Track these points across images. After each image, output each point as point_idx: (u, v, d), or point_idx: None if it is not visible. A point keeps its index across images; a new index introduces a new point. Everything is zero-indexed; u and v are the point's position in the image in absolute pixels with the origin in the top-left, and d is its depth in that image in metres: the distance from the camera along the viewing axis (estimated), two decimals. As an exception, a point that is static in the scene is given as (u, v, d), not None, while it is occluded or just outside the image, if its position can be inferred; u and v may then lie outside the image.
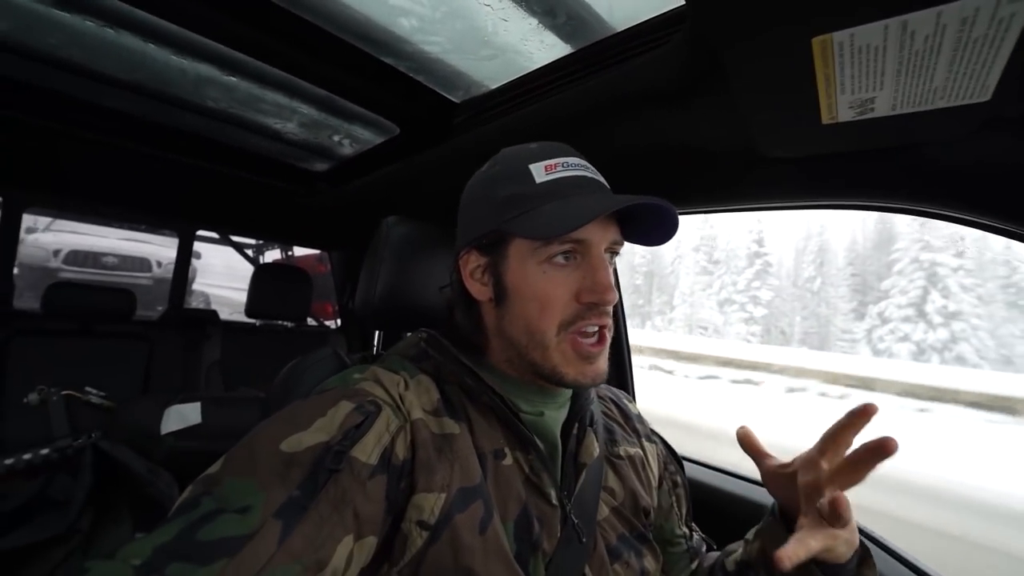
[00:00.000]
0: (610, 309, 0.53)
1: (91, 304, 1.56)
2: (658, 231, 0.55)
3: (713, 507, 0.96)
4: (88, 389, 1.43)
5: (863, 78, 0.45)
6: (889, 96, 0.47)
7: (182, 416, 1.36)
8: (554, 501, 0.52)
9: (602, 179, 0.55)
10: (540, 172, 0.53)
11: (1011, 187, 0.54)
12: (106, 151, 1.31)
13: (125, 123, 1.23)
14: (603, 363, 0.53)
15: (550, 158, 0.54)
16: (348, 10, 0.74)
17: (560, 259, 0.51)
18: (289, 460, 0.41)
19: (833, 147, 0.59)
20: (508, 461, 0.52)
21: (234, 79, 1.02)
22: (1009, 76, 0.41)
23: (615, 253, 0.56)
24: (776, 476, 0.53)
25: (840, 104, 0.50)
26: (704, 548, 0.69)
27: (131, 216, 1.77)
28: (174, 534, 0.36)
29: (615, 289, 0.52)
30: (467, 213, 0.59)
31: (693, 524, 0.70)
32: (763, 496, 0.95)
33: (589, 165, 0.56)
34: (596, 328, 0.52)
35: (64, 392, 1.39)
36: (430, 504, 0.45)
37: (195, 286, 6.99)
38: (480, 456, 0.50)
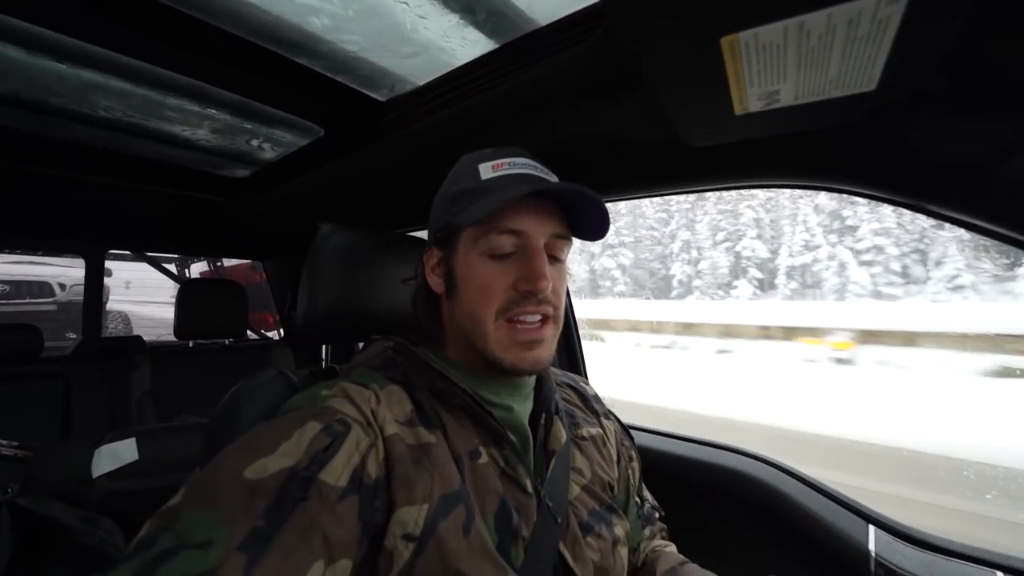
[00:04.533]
0: (548, 298, 0.54)
1: None
2: (593, 223, 0.57)
3: (660, 469, 1.03)
4: None
5: (768, 72, 0.48)
6: (792, 88, 0.51)
7: (115, 455, 1.25)
8: (529, 490, 0.54)
9: (548, 179, 0.57)
10: (487, 170, 0.56)
11: (896, 164, 0.61)
12: None
13: (2, 138, 1.08)
14: (544, 351, 0.55)
15: (499, 159, 0.57)
16: (253, 10, 0.68)
17: (500, 250, 0.54)
18: (253, 488, 0.40)
19: (747, 134, 0.63)
20: (484, 459, 0.53)
21: (127, 85, 0.92)
22: (889, 68, 0.45)
23: (560, 248, 0.57)
24: None
25: (750, 96, 0.53)
26: (656, 515, 0.75)
27: (25, 243, 1.55)
28: (131, 574, 0.34)
29: (548, 278, 0.53)
30: (432, 212, 0.62)
31: (645, 494, 0.76)
32: (704, 454, 1.04)
33: (540, 166, 0.58)
34: (536, 318, 0.54)
35: None
36: (413, 517, 0.46)
37: (109, 306, 6.36)
38: (457, 459, 0.51)
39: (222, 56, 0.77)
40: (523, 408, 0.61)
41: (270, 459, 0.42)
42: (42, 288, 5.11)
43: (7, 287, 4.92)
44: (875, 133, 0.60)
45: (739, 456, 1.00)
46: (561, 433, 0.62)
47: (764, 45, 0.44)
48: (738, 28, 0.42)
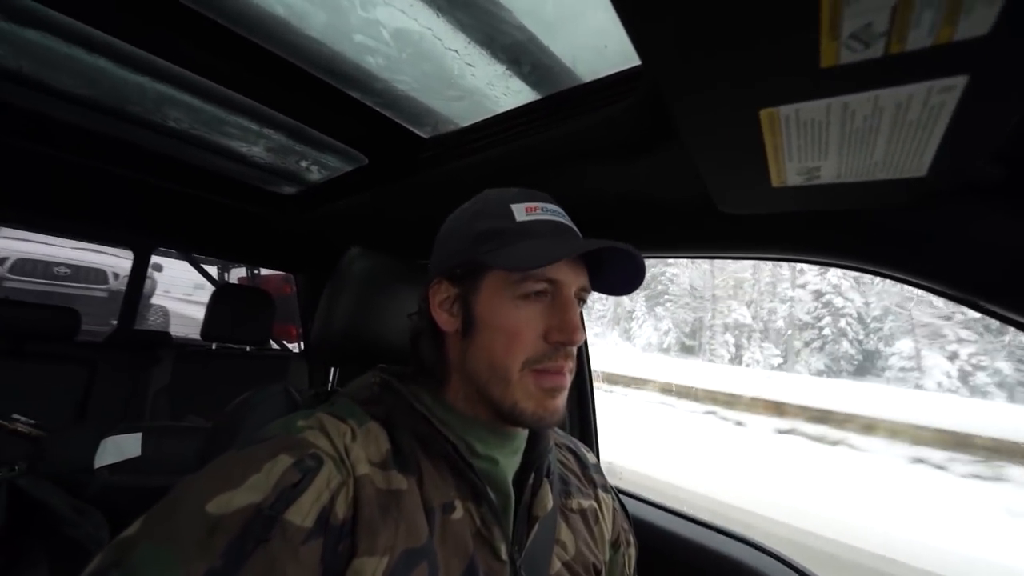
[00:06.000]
0: (575, 351, 0.53)
1: (26, 323, 1.45)
2: (623, 280, 0.56)
3: (660, 549, 0.94)
4: (16, 416, 1.32)
5: (809, 149, 0.47)
6: (834, 166, 0.49)
7: (119, 448, 1.27)
8: (503, 556, 0.50)
9: (576, 229, 0.57)
10: (521, 212, 0.54)
11: (949, 255, 0.57)
12: (58, 164, 1.25)
13: (80, 137, 1.18)
14: (562, 400, 0.53)
15: (531, 201, 0.55)
16: (316, 44, 0.73)
17: (532, 296, 0.52)
18: (215, 525, 0.38)
19: (784, 207, 0.60)
20: (458, 514, 0.49)
21: (197, 101, 1.00)
22: (941, 155, 0.43)
23: (582, 300, 0.57)
24: None
25: (788, 170, 0.51)
26: None
27: (85, 230, 1.67)
28: None
29: (582, 330, 0.52)
30: (443, 244, 0.59)
31: None
32: (711, 540, 0.94)
33: (565, 214, 0.57)
34: (559, 368, 0.52)
35: None
36: (371, 568, 0.42)
37: (153, 300, 6.67)
38: (428, 511, 0.48)
39: (284, 83, 0.82)
40: (508, 463, 0.56)
41: (236, 493, 0.40)
42: (98, 275, 5.45)
43: (69, 270, 5.28)
44: (927, 220, 0.57)
45: (750, 549, 0.91)
46: (548, 499, 0.57)
47: (805, 122, 0.43)
48: (779, 103, 0.41)
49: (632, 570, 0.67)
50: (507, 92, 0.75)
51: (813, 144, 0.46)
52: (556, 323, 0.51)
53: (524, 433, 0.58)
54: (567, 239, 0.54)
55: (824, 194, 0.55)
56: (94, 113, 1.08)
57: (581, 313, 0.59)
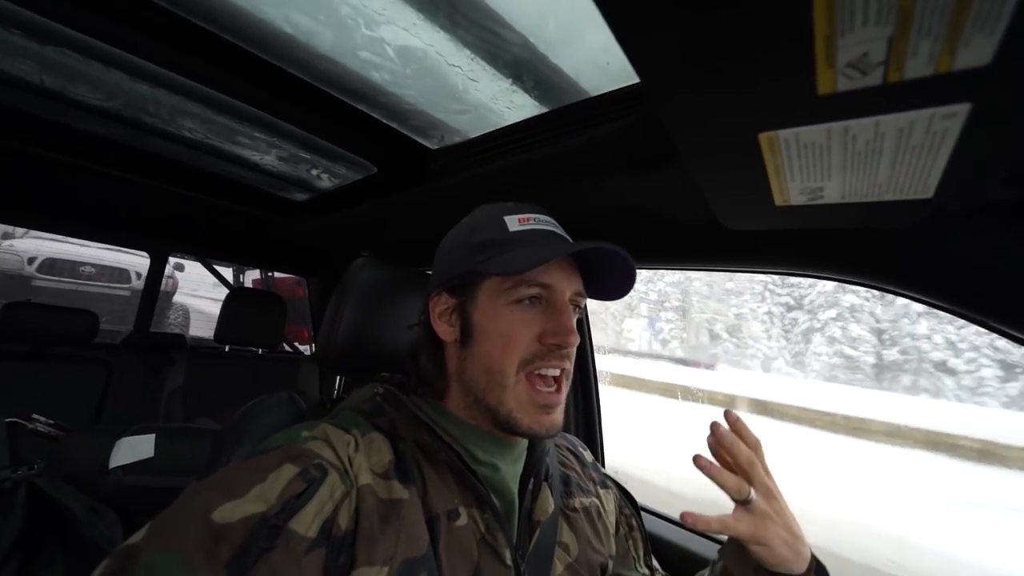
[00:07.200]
0: (570, 353, 0.55)
1: (46, 326, 1.50)
2: (616, 286, 0.58)
3: (670, 562, 0.93)
4: (35, 416, 1.36)
5: (810, 170, 0.46)
6: (838, 187, 0.48)
7: (133, 449, 1.30)
8: (508, 561, 0.50)
9: (568, 238, 0.59)
10: (514, 223, 0.56)
11: (960, 275, 0.55)
12: (79, 171, 1.29)
13: (99, 146, 1.22)
14: (559, 415, 0.54)
15: (523, 213, 0.58)
16: (324, 61, 0.74)
17: (527, 301, 0.53)
18: (219, 533, 0.38)
19: (789, 224, 0.59)
20: (462, 521, 0.50)
21: (210, 113, 1.02)
22: (948, 179, 0.42)
23: (578, 305, 0.57)
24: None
25: (791, 190, 0.50)
26: None
27: (103, 235, 1.72)
28: None
29: (576, 333, 0.54)
30: (442, 259, 0.61)
31: (654, 563, 0.70)
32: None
33: (557, 224, 0.59)
34: (556, 372, 0.53)
35: (8, 420, 1.31)
36: None
37: (176, 298, 6.79)
38: (432, 519, 0.48)
39: (292, 96, 0.84)
40: (511, 469, 0.57)
41: (241, 502, 0.41)
42: (122, 275, 5.57)
43: (94, 270, 5.42)
44: (937, 238, 0.56)
45: None
46: (548, 502, 0.58)
47: (806, 144, 0.42)
48: (778, 127, 0.41)
49: (643, 553, 0.68)
50: (511, 106, 0.75)
51: (815, 166, 0.45)
52: (551, 326, 0.53)
53: (524, 441, 0.59)
54: (558, 244, 0.56)
55: (829, 213, 0.54)
56: (113, 123, 1.11)
57: (582, 319, 0.59)
